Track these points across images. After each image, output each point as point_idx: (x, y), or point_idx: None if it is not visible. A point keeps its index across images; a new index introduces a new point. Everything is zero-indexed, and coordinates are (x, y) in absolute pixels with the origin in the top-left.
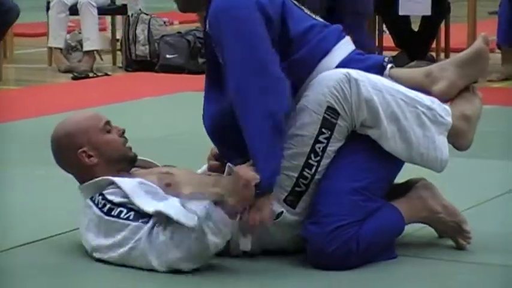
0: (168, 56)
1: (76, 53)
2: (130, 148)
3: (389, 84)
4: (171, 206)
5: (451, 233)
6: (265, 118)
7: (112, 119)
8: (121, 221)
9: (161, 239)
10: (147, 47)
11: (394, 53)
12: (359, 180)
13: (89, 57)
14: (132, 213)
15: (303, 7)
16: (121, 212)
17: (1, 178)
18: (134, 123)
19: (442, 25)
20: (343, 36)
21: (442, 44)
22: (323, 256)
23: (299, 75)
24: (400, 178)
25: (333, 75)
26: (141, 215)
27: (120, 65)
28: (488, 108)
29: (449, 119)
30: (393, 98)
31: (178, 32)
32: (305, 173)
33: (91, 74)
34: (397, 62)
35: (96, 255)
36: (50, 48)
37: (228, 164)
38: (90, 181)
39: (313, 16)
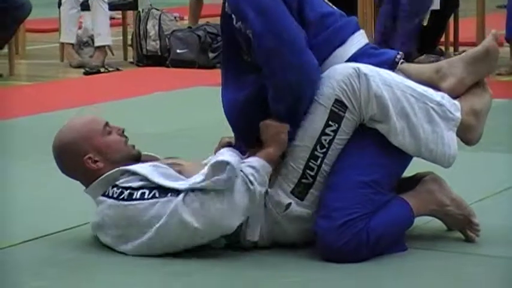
0: (178, 50)
1: (87, 49)
2: (133, 146)
3: (399, 80)
4: (200, 181)
5: (460, 225)
6: (291, 73)
7: (123, 114)
8: (147, 201)
9: (201, 199)
10: (157, 42)
11: None
12: (368, 174)
13: (100, 53)
14: (155, 191)
15: None
16: (143, 193)
17: (13, 172)
18: (145, 118)
19: (451, 19)
20: (359, 29)
21: (451, 38)
22: (333, 250)
23: None
24: (409, 172)
25: (343, 69)
26: (168, 190)
27: (131, 60)
28: (496, 102)
29: (458, 115)
30: (403, 93)
31: (189, 27)
32: (311, 164)
33: (102, 69)
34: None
35: (121, 248)
36: (62, 44)
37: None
38: (99, 178)
39: (331, 4)
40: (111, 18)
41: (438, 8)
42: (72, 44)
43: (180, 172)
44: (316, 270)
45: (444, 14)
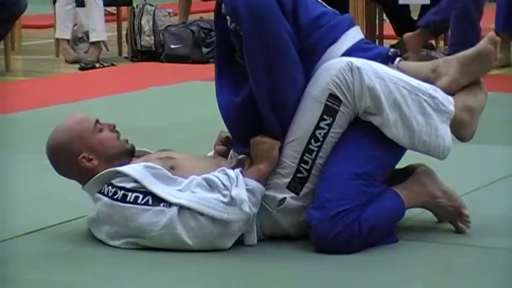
0: (172, 46)
1: (82, 44)
2: (126, 140)
3: (392, 73)
4: (192, 197)
5: (451, 217)
6: (273, 78)
7: (118, 109)
8: (139, 206)
9: (197, 219)
10: (152, 37)
11: (395, 41)
12: (361, 166)
13: (95, 48)
14: (149, 197)
15: None
16: (137, 197)
17: (10, 167)
18: (140, 113)
19: None
20: (353, 25)
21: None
22: (326, 240)
23: (308, 62)
24: (401, 164)
25: (336, 64)
26: (161, 199)
27: (126, 55)
28: (489, 95)
29: (451, 108)
30: (395, 86)
31: (183, 22)
32: (305, 158)
33: (97, 65)
34: (398, 50)
35: (113, 243)
36: (57, 40)
37: (232, 150)
38: (94, 177)
39: (324, 4)
40: (106, 14)
41: (428, 2)
42: (67, 40)
43: (172, 168)
44: (310, 261)
45: None
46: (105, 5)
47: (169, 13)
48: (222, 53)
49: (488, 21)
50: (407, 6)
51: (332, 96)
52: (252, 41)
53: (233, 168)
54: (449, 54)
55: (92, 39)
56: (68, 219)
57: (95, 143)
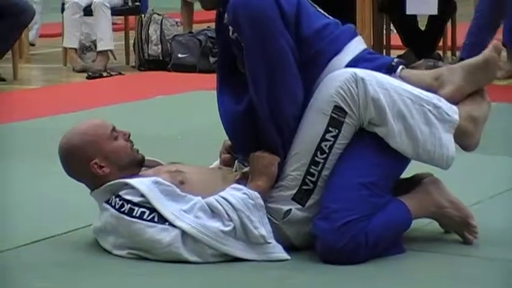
0: (180, 55)
1: (90, 53)
2: (137, 151)
3: (395, 83)
4: (193, 222)
5: (458, 227)
6: (273, 90)
7: (126, 117)
8: (144, 222)
9: (200, 245)
10: (159, 46)
11: (402, 52)
12: (366, 176)
13: (103, 57)
14: (155, 214)
15: (316, 5)
16: (143, 213)
17: (17, 174)
18: (148, 122)
19: (449, 24)
20: (356, 35)
21: (449, 43)
22: (333, 251)
23: (311, 74)
24: (407, 173)
25: (340, 75)
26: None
27: (133, 64)
28: (493, 106)
29: (456, 117)
30: (400, 96)
31: (190, 32)
32: (312, 170)
33: (105, 74)
34: (405, 60)
35: (117, 252)
36: (65, 49)
37: (237, 161)
38: (103, 186)
39: (326, 15)
40: (113, 23)
41: (436, 13)
42: (75, 49)
43: (182, 182)
44: (316, 272)
45: (442, 19)
46: (112, 14)
47: (176, 22)
48: (223, 62)
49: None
50: (414, 16)
51: (337, 108)
52: (252, 51)
53: (238, 181)
54: (461, 59)
55: (99, 48)
56: (74, 228)
57: (108, 151)
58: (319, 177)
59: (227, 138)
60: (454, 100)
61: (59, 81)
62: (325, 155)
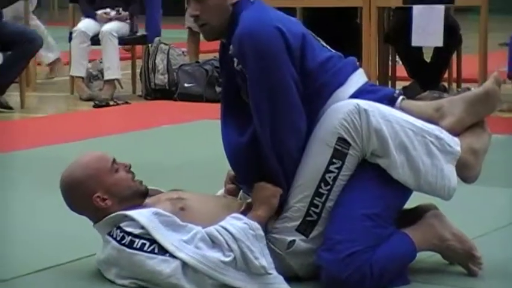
0: (186, 84)
1: (97, 82)
2: (140, 182)
3: (398, 115)
4: (193, 253)
5: (462, 259)
6: (275, 121)
7: (131, 146)
8: (145, 253)
9: (201, 276)
10: (166, 76)
11: (407, 83)
12: (370, 207)
13: (110, 86)
14: (155, 245)
15: (319, 39)
16: (144, 244)
17: (22, 203)
18: (153, 151)
19: (454, 56)
20: (357, 68)
21: (454, 75)
22: (338, 282)
23: (315, 106)
24: (411, 203)
25: (344, 106)
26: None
27: (140, 93)
28: (497, 138)
29: (457, 148)
30: (402, 128)
31: (196, 62)
32: (316, 202)
33: (111, 102)
34: (410, 91)
35: (120, 282)
36: (72, 77)
37: (242, 191)
38: (104, 219)
39: (329, 48)
40: (121, 52)
41: (441, 44)
42: (82, 78)
43: (183, 209)
44: None
45: (447, 51)
46: (120, 43)
47: (183, 52)
48: (227, 93)
49: (500, 65)
50: (419, 48)
51: (341, 139)
52: (257, 83)
53: (243, 212)
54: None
55: (106, 77)
56: (78, 258)
57: (110, 184)
58: (323, 208)
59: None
60: (454, 131)
61: (65, 110)
62: (329, 187)
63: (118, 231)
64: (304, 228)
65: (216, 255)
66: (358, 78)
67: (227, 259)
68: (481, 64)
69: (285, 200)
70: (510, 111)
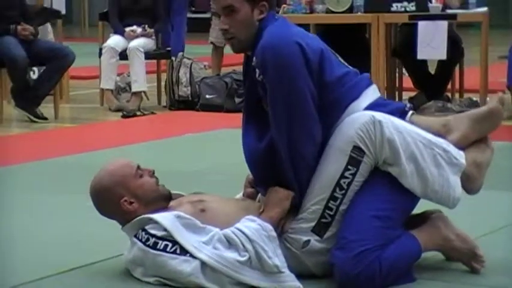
0: (207, 96)
1: (125, 94)
2: (163, 186)
3: (409, 127)
4: (212, 254)
5: (465, 258)
6: (293, 129)
7: (157, 154)
8: (168, 254)
9: (219, 275)
10: (189, 88)
11: (413, 94)
12: (381, 210)
13: (137, 98)
14: (177, 246)
15: (337, 55)
16: (166, 245)
17: (57, 206)
18: (177, 157)
19: (457, 68)
20: (371, 84)
21: (457, 86)
22: (349, 279)
23: (331, 117)
24: (417, 210)
25: (360, 117)
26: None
27: (165, 104)
28: (498, 145)
29: (463, 161)
30: (413, 139)
31: (217, 75)
32: (330, 205)
33: (138, 113)
34: (416, 101)
35: (146, 279)
36: (102, 90)
37: (260, 194)
38: (131, 222)
39: (346, 64)
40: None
41: (445, 57)
42: (111, 90)
43: (203, 210)
44: None
45: (450, 63)
46: (146, 58)
47: (204, 66)
48: (249, 101)
49: (500, 75)
50: (425, 61)
51: (356, 148)
52: (275, 92)
53: (261, 215)
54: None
55: (133, 90)
56: (104, 258)
57: (136, 188)
58: (337, 211)
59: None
60: (460, 146)
61: (95, 120)
62: (343, 191)
63: (143, 233)
64: (319, 229)
65: (232, 255)
66: (372, 93)
67: (243, 259)
68: (482, 76)
69: (301, 203)
70: (510, 119)
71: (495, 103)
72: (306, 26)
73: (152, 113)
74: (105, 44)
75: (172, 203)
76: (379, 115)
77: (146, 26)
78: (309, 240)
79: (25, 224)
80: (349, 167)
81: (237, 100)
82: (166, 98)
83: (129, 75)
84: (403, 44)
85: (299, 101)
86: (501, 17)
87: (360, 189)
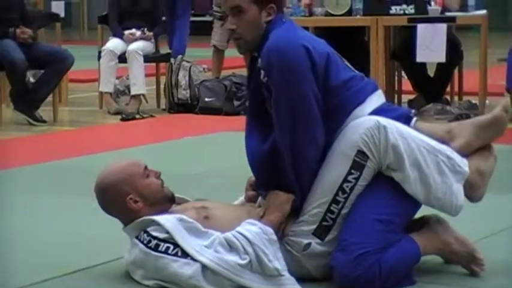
0: (206, 99)
1: (124, 97)
2: (167, 188)
3: (414, 133)
4: (212, 257)
5: (464, 262)
6: (296, 132)
7: (156, 157)
8: (169, 256)
9: (219, 278)
10: (188, 91)
11: (412, 96)
12: (383, 214)
13: (136, 101)
14: (178, 249)
15: (344, 59)
16: (168, 248)
17: (57, 209)
18: (177, 161)
19: (456, 71)
20: (377, 89)
21: (456, 88)
22: (349, 281)
23: (335, 121)
24: (418, 214)
25: (364, 122)
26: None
27: (164, 107)
28: (498, 148)
29: (466, 169)
30: (417, 145)
31: (216, 78)
32: (332, 208)
33: (137, 116)
34: (415, 104)
35: (146, 282)
36: (101, 93)
37: (260, 197)
38: (133, 222)
39: (353, 68)
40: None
41: (444, 60)
42: (110, 93)
43: (207, 217)
44: None
45: (450, 66)
46: (145, 61)
47: (204, 69)
48: (253, 103)
49: (500, 78)
50: (424, 64)
51: (360, 152)
52: (280, 95)
53: (261, 218)
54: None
55: (132, 93)
56: (106, 261)
57: (142, 187)
58: (338, 214)
59: (252, 174)
60: (463, 153)
61: (94, 123)
62: (346, 195)
63: (145, 235)
64: (320, 232)
65: (233, 258)
66: (377, 99)
67: (243, 262)
68: (481, 78)
69: (302, 206)
70: (509, 122)
71: (499, 111)
72: (304, 29)
73: (151, 116)
74: (104, 47)
75: (176, 208)
76: (384, 120)
77: (145, 29)
78: (309, 243)
79: (25, 226)
80: (353, 171)
81: (236, 103)
82: (166, 101)
83: (128, 78)
84: (402, 46)
85: (303, 104)
86: (500, 19)
87: (362, 193)
